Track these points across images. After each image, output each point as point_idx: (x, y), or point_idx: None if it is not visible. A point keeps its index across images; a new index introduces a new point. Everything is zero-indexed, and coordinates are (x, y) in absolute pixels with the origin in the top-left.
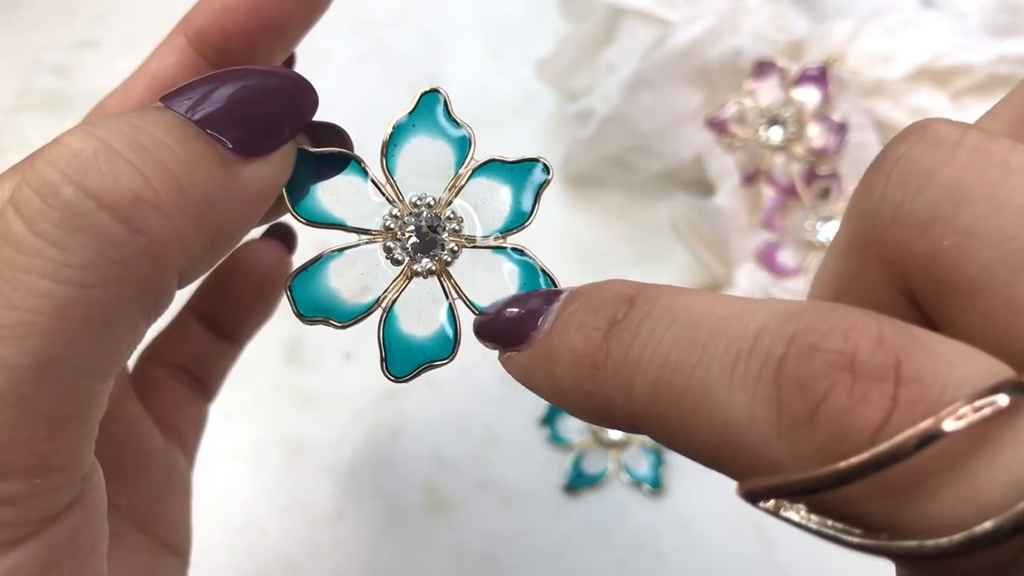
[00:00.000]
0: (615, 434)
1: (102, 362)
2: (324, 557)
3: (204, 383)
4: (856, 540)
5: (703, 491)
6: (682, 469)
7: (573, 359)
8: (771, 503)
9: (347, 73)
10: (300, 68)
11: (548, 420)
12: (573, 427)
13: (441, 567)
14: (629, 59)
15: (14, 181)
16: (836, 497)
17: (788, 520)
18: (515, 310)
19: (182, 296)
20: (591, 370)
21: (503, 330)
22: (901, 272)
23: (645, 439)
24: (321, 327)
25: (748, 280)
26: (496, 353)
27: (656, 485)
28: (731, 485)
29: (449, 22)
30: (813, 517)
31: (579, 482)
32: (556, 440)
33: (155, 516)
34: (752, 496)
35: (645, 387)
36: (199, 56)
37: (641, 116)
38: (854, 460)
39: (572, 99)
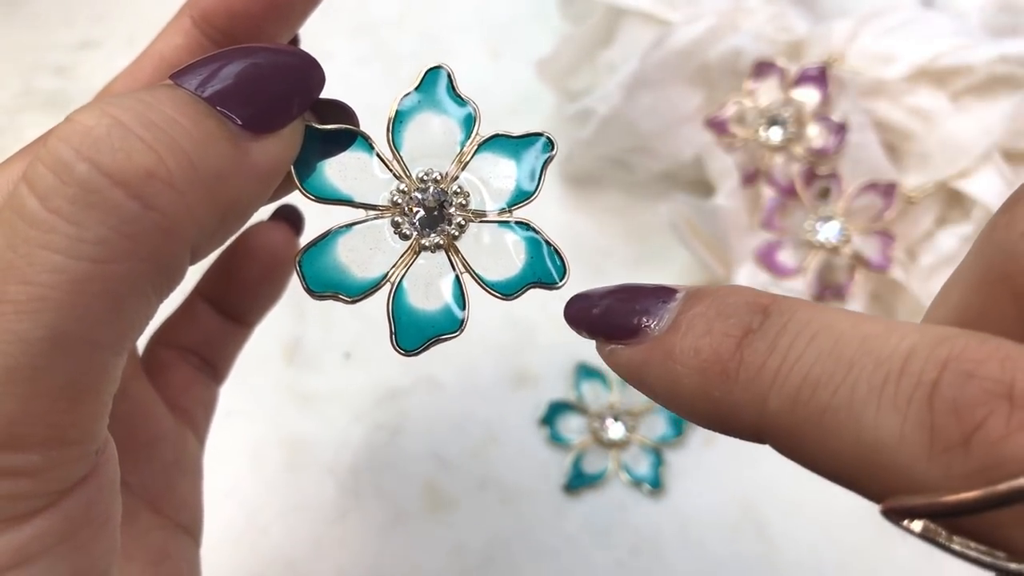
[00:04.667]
0: (615, 434)
1: (116, 336)
2: (325, 557)
3: (214, 365)
4: (1004, 564)
5: (703, 491)
6: (682, 469)
7: (699, 363)
8: (915, 524)
9: (348, 73)
10: None
11: (548, 420)
12: (573, 427)
13: (441, 567)
14: (629, 59)
15: (25, 161)
16: (984, 520)
17: (930, 541)
18: (620, 302)
19: (191, 279)
20: (720, 377)
21: (608, 323)
22: None
23: (644, 438)
24: (330, 301)
25: (748, 280)
26: (496, 355)
27: (656, 485)
28: (732, 485)
29: (449, 22)
30: (955, 538)
31: (579, 482)
32: (556, 440)
33: (167, 496)
34: (895, 513)
35: (782, 401)
36: (205, 37)
37: (641, 116)
38: (1014, 484)
39: (572, 99)
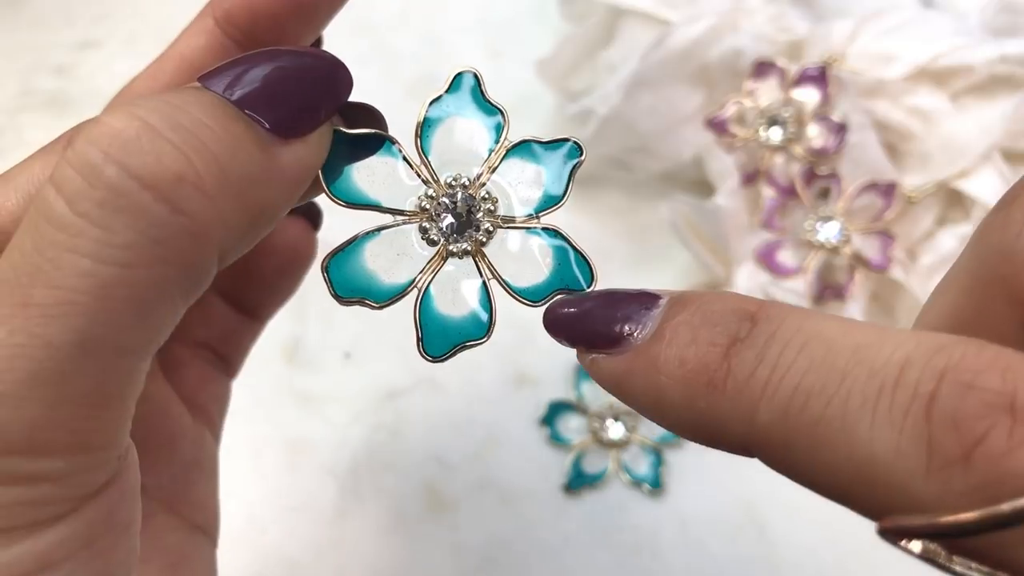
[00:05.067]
0: (615, 434)
1: (142, 342)
2: (325, 557)
3: (227, 360)
4: None
5: (703, 491)
6: (682, 469)
7: (684, 373)
8: (914, 543)
9: None
10: None
11: (548, 420)
12: (573, 427)
13: (441, 567)
14: (629, 59)
15: (46, 160)
16: (986, 540)
17: (931, 562)
18: (602, 309)
19: None
20: (707, 388)
21: (590, 330)
22: None
23: (644, 438)
24: (357, 307)
25: (748, 280)
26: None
27: (656, 485)
28: (732, 485)
29: (449, 22)
30: (956, 558)
31: (579, 482)
32: (556, 440)
33: (183, 496)
34: (891, 534)
35: (772, 413)
36: (227, 38)
37: (641, 116)
38: (1019, 504)
39: (572, 99)
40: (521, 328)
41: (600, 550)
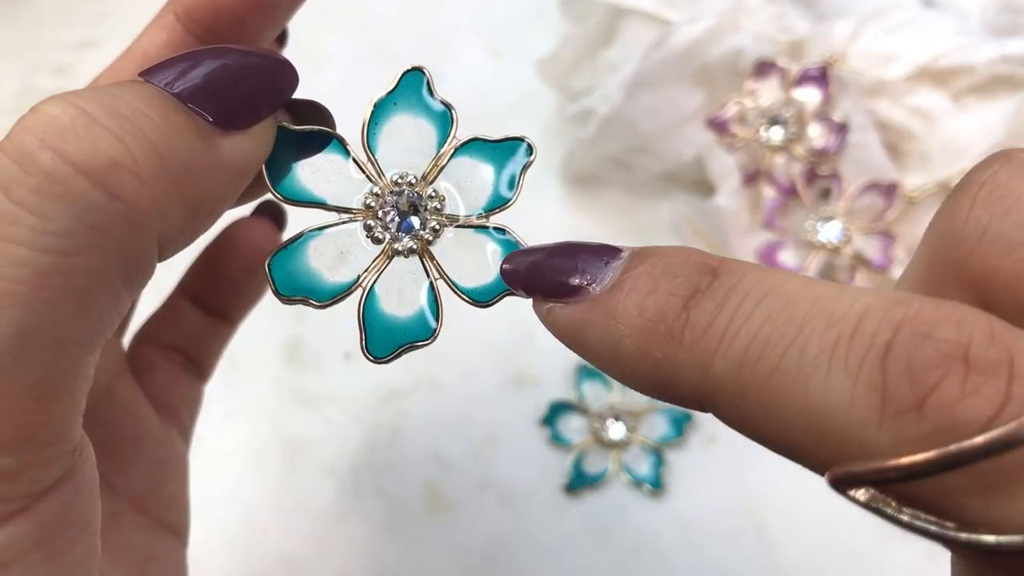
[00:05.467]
0: (616, 434)
1: (85, 332)
2: (325, 557)
3: (198, 363)
4: (953, 534)
5: (703, 491)
6: (683, 469)
7: (643, 322)
8: (862, 492)
9: (348, 73)
10: (301, 68)
11: (549, 420)
12: (573, 427)
13: (441, 567)
14: (629, 59)
15: None
16: (934, 488)
17: (878, 512)
18: (561, 259)
19: (174, 276)
20: (664, 337)
21: (548, 280)
22: (984, 294)
23: (645, 439)
24: (300, 306)
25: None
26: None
27: (657, 485)
28: (732, 485)
29: (449, 22)
30: (905, 509)
31: (580, 482)
32: (556, 440)
33: (152, 496)
34: (841, 482)
35: (727, 363)
36: (188, 34)
37: (641, 116)
38: (966, 444)
39: (572, 99)
40: (521, 328)
41: (600, 550)
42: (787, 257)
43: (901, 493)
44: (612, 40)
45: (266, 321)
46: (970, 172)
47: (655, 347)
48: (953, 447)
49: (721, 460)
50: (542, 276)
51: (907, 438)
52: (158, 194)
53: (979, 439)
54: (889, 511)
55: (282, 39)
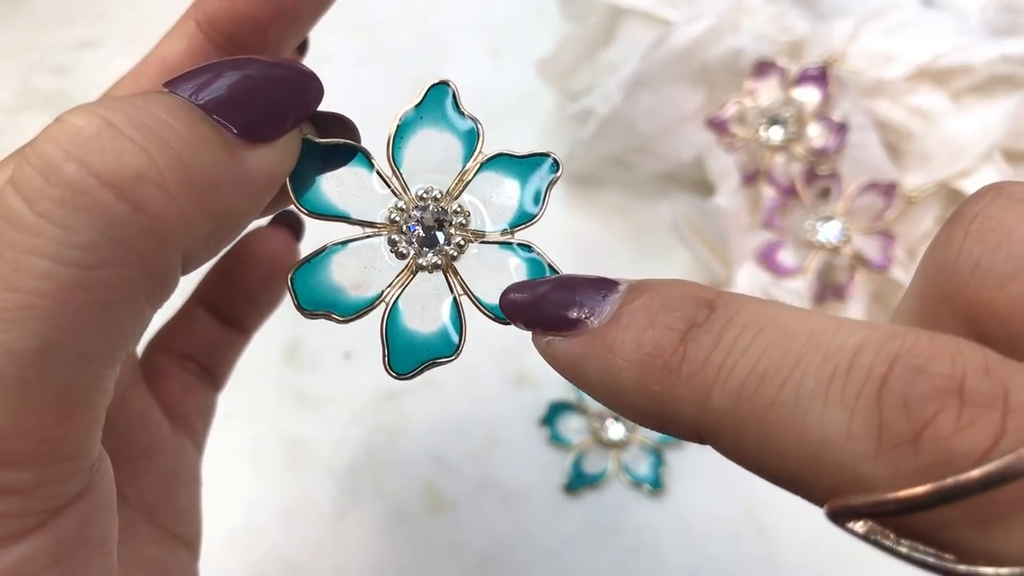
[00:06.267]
0: (615, 434)
1: (107, 347)
2: (325, 557)
3: (212, 372)
4: (951, 566)
5: (703, 491)
6: (682, 469)
7: (640, 356)
8: (860, 524)
9: (348, 73)
10: None
11: (548, 420)
12: (573, 427)
13: (441, 567)
14: (629, 59)
15: (14, 164)
16: (931, 520)
17: (877, 544)
18: (560, 292)
19: (188, 285)
20: (662, 371)
21: (546, 314)
22: (978, 326)
23: (645, 438)
24: (323, 321)
25: (748, 280)
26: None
27: (656, 485)
28: (732, 485)
29: (449, 22)
30: (903, 541)
31: (579, 482)
32: (556, 440)
33: (164, 507)
34: (840, 515)
35: (725, 397)
36: (209, 42)
37: (641, 116)
38: (962, 478)
39: (572, 99)
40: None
41: (600, 550)
42: (787, 257)
43: (899, 525)
44: (612, 40)
45: (266, 321)
46: (962, 204)
47: (653, 381)
48: (949, 481)
49: (721, 460)
50: (541, 309)
51: (904, 471)
52: (183, 207)
53: (975, 472)
54: (888, 543)
55: (303, 49)
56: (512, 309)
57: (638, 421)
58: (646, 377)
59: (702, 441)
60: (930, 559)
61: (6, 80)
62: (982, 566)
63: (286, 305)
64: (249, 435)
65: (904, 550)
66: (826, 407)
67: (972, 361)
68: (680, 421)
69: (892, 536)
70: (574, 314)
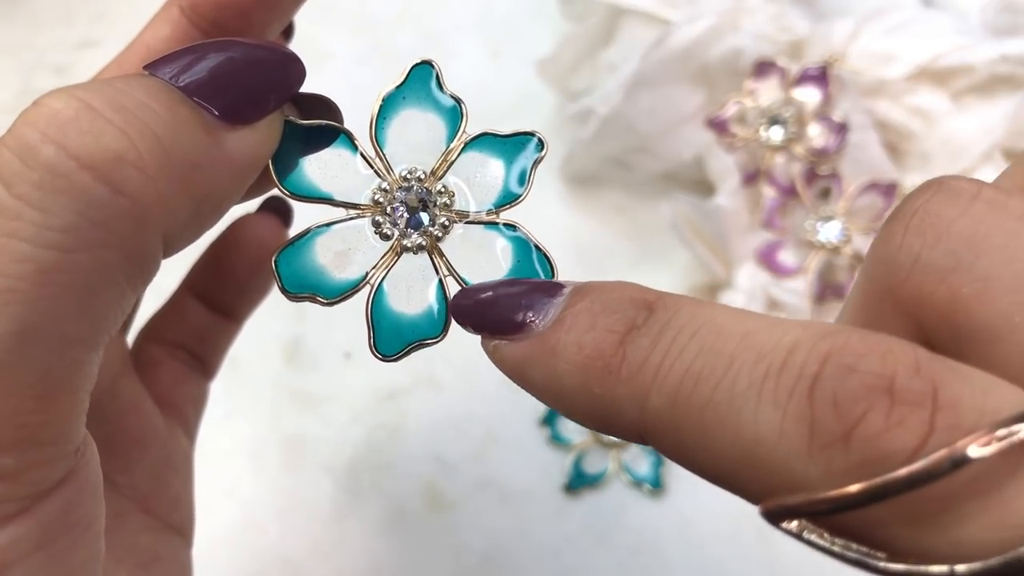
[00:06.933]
0: None
1: (88, 330)
2: (324, 557)
3: (203, 361)
4: (883, 564)
5: (703, 491)
6: (682, 469)
7: (582, 359)
8: (794, 524)
9: (348, 73)
10: None
11: (548, 420)
12: (573, 427)
13: (441, 567)
14: (629, 59)
15: None
16: (863, 519)
17: (811, 543)
18: (507, 296)
19: (179, 273)
20: (602, 373)
21: (494, 317)
22: (919, 320)
23: None
24: (308, 303)
25: (748, 280)
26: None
27: (656, 485)
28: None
29: (449, 22)
30: (837, 540)
31: (579, 482)
32: (556, 440)
33: (156, 495)
34: (774, 515)
35: (663, 397)
36: (193, 27)
37: (641, 116)
38: (890, 476)
39: (572, 99)
40: None
41: (600, 550)
42: (787, 257)
43: (833, 524)
44: (612, 40)
45: (266, 320)
46: (903, 200)
47: (594, 383)
48: (879, 480)
49: None
50: (489, 315)
51: (835, 469)
52: (163, 189)
53: (903, 471)
54: (822, 542)
55: (288, 32)
56: (462, 315)
57: (582, 423)
58: (587, 379)
59: (644, 442)
60: (864, 558)
61: (6, 80)
62: (913, 564)
63: (286, 304)
64: (249, 434)
65: (837, 549)
66: (759, 406)
67: (903, 359)
68: (621, 422)
69: (826, 535)
70: (520, 317)
